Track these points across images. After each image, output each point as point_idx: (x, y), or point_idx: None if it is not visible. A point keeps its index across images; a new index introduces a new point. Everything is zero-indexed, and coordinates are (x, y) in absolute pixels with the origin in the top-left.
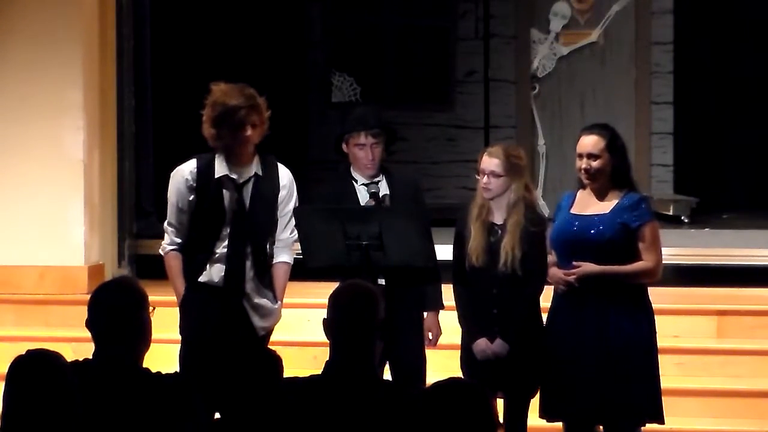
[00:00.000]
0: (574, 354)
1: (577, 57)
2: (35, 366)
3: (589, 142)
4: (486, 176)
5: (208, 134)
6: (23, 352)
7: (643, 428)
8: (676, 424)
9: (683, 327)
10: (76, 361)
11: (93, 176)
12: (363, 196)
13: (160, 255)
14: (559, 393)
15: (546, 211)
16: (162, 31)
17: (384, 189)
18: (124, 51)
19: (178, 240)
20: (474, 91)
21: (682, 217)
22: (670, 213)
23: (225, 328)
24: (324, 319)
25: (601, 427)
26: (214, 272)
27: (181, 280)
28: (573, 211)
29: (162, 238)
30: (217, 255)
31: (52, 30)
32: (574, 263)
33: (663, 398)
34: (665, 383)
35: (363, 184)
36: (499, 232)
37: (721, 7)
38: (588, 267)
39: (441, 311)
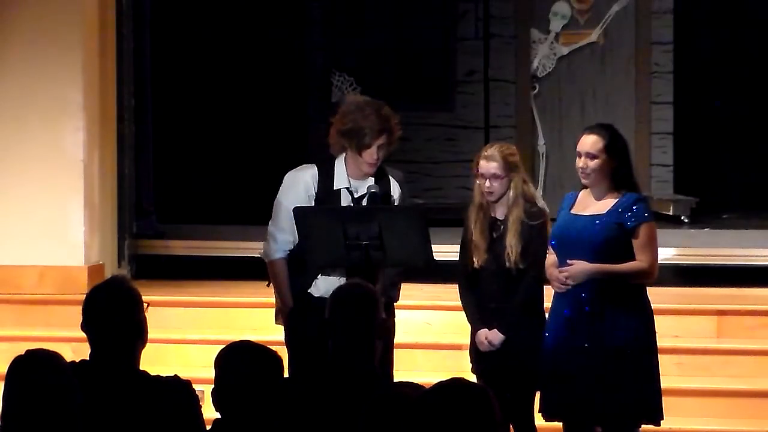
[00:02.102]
0: (570, 354)
1: (577, 57)
2: (35, 366)
3: (588, 142)
4: (488, 180)
5: (333, 141)
6: (23, 352)
7: (641, 429)
8: (676, 424)
9: (683, 327)
10: (74, 362)
11: (93, 176)
12: None
13: (162, 255)
14: (557, 392)
15: (546, 209)
16: (162, 31)
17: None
18: (124, 51)
19: (286, 247)
20: (474, 91)
21: (682, 217)
22: (670, 213)
23: None
24: (324, 318)
25: (599, 428)
26: (325, 285)
27: (289, 291)
28: (573, 211)
29: (162, 238)
30: None
31: (52, 30)
32: (568, 261)
33: (663, 398)
34: (665, 383)
35: None
36: (501, 227)
37: (721, 7)
38: (580, 265)
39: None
